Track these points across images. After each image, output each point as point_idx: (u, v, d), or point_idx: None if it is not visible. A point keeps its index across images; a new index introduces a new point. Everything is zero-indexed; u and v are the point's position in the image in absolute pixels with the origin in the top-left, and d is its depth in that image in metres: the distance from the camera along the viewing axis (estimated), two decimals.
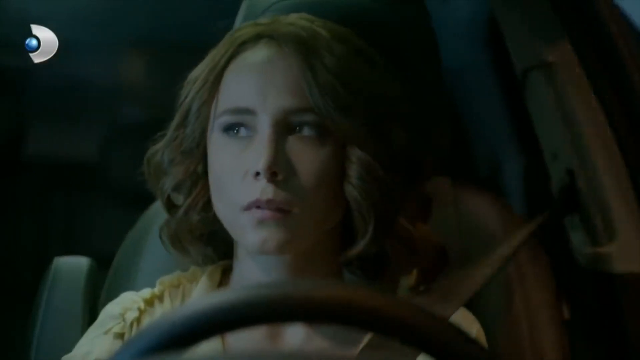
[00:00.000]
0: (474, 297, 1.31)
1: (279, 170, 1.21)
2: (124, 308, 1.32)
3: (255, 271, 1.28)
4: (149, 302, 1.33)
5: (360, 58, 1.27)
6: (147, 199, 1.50)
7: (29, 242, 2.50)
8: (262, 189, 1.22)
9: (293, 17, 1.30)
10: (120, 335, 1.31)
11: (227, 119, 1.25)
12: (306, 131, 1.24)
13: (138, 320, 1.32)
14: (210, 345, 1.24)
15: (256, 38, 1.27)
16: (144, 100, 2.55)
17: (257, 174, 1.22)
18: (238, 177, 1.24)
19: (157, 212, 1.48)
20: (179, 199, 1.32)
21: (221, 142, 1.26)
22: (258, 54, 1.26)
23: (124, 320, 1.31)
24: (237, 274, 1.32)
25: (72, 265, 1.60)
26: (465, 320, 1.29)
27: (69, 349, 1.34)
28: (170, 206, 1.32)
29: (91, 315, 1.47)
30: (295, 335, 1.28)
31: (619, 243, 1.44)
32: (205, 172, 1.29)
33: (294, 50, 1.24)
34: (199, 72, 1.29)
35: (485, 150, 1.89)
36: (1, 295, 2.33)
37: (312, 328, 1.28)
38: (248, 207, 1.23)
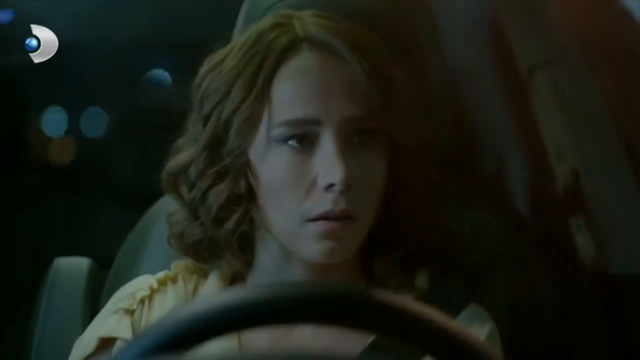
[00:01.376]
0: (478, 299, 1.31)
1: (352, 181, 1.21)
2: (136, 288, 1.32)
3: (277, 273, 1.28)
4: (162, 282, 1.32)
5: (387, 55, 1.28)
6: (148, 200, 1.49)
7: (29, 242, 2.49)
8: (335, 201, 1.21)
9: (309, 16, 1.28)
10: (129, 312, 1.30)
11: (286, 130, 1.23)
12: (365, 137, 1.23)
13: (150, 297, 1.31)
14: (226, 340, 1.24)
15: (295, 42, 1.25)
16: (145, 100, 2.55)
17: (330, 185, 1.21)
18: (302, 189, 1.22)
19: (158, 212, 1.48)
20: (224, 211, 1.29)
21: (279, 153, 1.23)
22: (308, 60, 1.24)
23: (134, 298, 1.31)
24: (258, 274, 1.30)
25: (73, 266, 1.60)
26: (478, 319, 1.28)
27: (69, 350, 1.33)
28: (216, 220, 1.28)
29: (92, 315, 1.46)
30: (303, 331, 1.28)
31: (623, 244, 1.44)
32: (248, 185, 1.27)
33: (349, 55, 1.23)
34: (220, 83, 1.26)
35: (489, 149, 1.88)
36: (1, 296, 2.32)
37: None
38: (318, 218, 1.22)
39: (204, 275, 1.34)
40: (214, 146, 1.27)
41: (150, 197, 1.41)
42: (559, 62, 1.48)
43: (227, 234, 1.27)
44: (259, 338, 1.27)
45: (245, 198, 1.26)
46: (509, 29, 1.56)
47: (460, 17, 1.70)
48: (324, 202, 1.21)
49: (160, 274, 1.33)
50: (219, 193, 1.27)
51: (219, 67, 1.27)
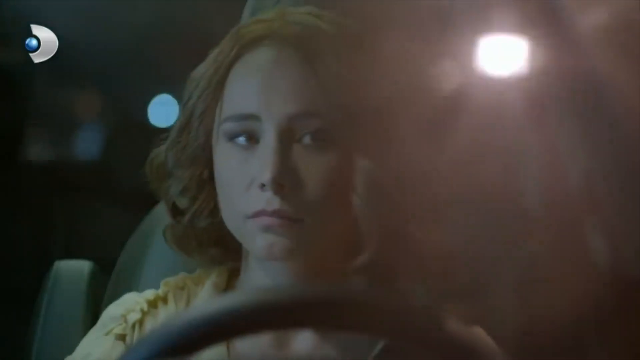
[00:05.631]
0: (483, 300, 1.30)
1: (284, 182, 1.19)
2: (126, 309, 1.31)
3: (262, 275, 1.27)
4: (153, 304, 1.31)
5: (368, 59, 1.24)
6: (150, 202, 1.48)
7: (29, 244, 2.49)
8: (268, 200, 1.19)
9: (300, 13, 1.26)
10: (122, 337, 1.29)
11: (230, 125, 1.22)
12: (312, 138, 1.21)
13: (140, 322, 1.30)
14: (214, 352, 1.22)
15: (260, 38, 1.24)
16: (146, 100, 2.55)
17: (263, 185, 1.19)
18: (243, 186, 1.21)
19: (160, 215, 1.47)
20: (182, 202, 1.29)
21: (225, 149, 1.23)
22: (261, 56, 1.23)
23: (125, 321, 1.30)
24: (245, 277, 1.30)
25: (73, 269, 1.60)
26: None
27: (69, 354, 1.32)
28: (176, 211, 1.29)
29: (93, 319, 1.45)
30: (303, 342, 1.26)
31: (638, 246, 1.42)
32: (211, 177, 1.26)
33: (296, 52, 1.21)
34: (202, 72, 1.26)
35: (499, 148, 1.87)
36: (1, 299, 2.32)
37: (321, 335, 1.25)
38: (254, 216, 1.20)
39: (200, 283, 1.33)
40: (184, 133, 1.27)
41: (152, 199, 1.40)
42: (571, 61, 1.47)
43: (184, 226, 1.28)
44: (250, 348, 1.25)
45: (203, 190, 1.26)
46: (519, 28, 1.55)
47: (468, 17, 1.69)
48: (259, 201, 1.20)
49: (150, 294, 1.32)
50: (179, 182, 1.27)
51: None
